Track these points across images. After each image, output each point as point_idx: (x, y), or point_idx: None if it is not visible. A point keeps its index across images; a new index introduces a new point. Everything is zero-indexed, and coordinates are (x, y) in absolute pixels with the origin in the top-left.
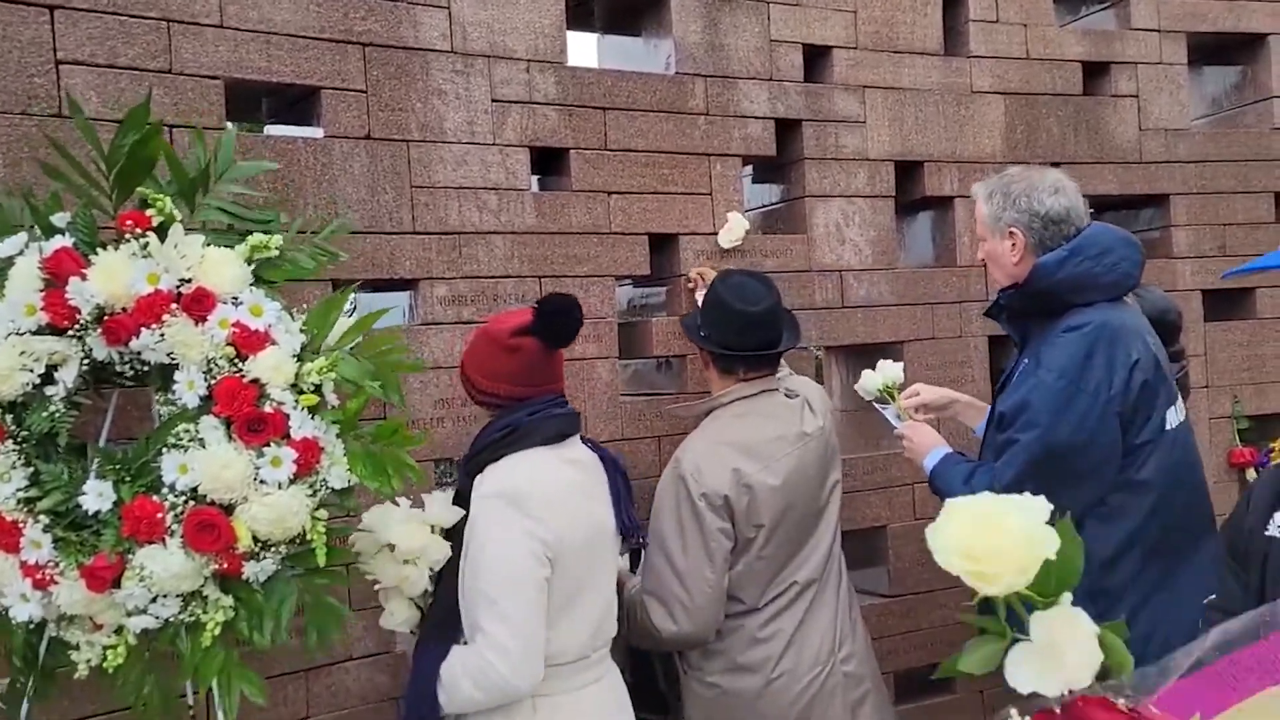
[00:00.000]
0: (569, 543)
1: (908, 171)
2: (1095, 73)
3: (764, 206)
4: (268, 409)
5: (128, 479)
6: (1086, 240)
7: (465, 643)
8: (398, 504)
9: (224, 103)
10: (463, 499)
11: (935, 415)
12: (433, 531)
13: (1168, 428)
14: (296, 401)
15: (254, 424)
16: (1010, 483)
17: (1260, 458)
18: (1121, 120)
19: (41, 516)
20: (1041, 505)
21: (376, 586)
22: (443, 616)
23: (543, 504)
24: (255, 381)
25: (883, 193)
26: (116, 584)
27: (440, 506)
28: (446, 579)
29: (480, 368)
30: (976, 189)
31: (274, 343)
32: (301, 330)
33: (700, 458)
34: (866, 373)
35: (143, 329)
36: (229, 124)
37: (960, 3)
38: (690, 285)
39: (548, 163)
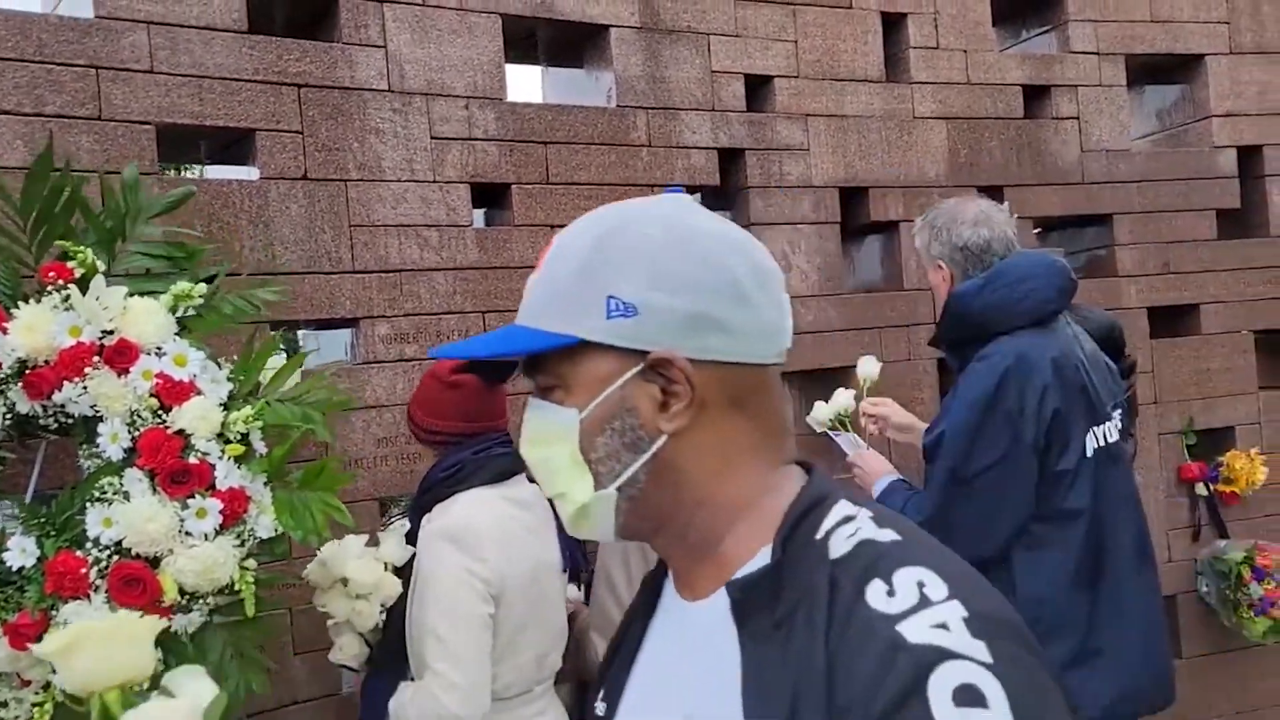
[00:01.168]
0: (512, 581)
1: (852, 197)
2: (1036, 96)
3: None
4: (192, 460)
5: (52, 534)
6: (1003, 268)
7: (412, 679)
8: (340, 541)
9: (155, 147)
10: (413, 538)
11: (893, 435)
12: (386, 569)
13: (1088, 454)
14: (222, 451)
15: (178, 476)
16: (932, 514)
17: (1209, 472)
18: (1063, 142)
19: None
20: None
21: (330, 621)
22: (392, 652)
23: (486, 543)
24: (180, 432)
25: (828, 219)
26: (40, 641)
27: (394, 544)
28: (395, 616)
29: (424, 406)
30: (915, 223)
31: (199, 393)
32: (229, 378)
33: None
34: (819, 404)
35: (65, 382)
36: (128, 167)
37: (900, 30)
38: None
39: (490, 198)
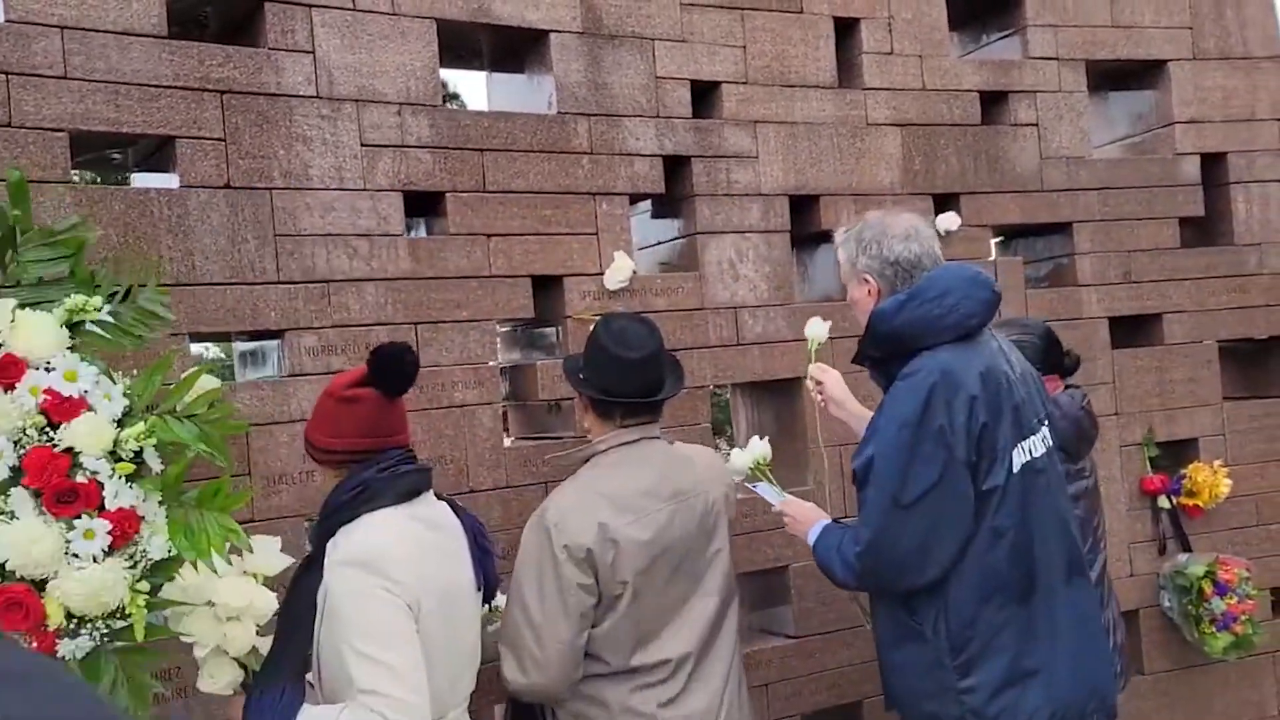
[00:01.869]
0: (425, 603)
1: (803, 206)
2: (994, 102)
3: (659, 243)
4: (80, 479)
5: None
6: (925, 283)
7: (320, 703)
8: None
9: (68, 155)
10: (316, 560)
11: (832, 409)
12: (257, 582)
13: (1014, 469)
14: (113, 470)
15: (64, 495)
16: (871, 540)
17: (1172, 484)
18: (1022, 149)
19: None
20: None
21: (197, 650)
22: (289, 668)
23: (397, 566)
24: (69, 450)
25: (777, 228)
26: None
27: (266, 553)
28: (290, 632)
29: (320, 427)
30: (836, 236)
31: (90, 409)
32: (124, 394)
33: (566, 508)
34: (735, 452)
35: None
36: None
37: (853, 35)
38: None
39: (425, 207)
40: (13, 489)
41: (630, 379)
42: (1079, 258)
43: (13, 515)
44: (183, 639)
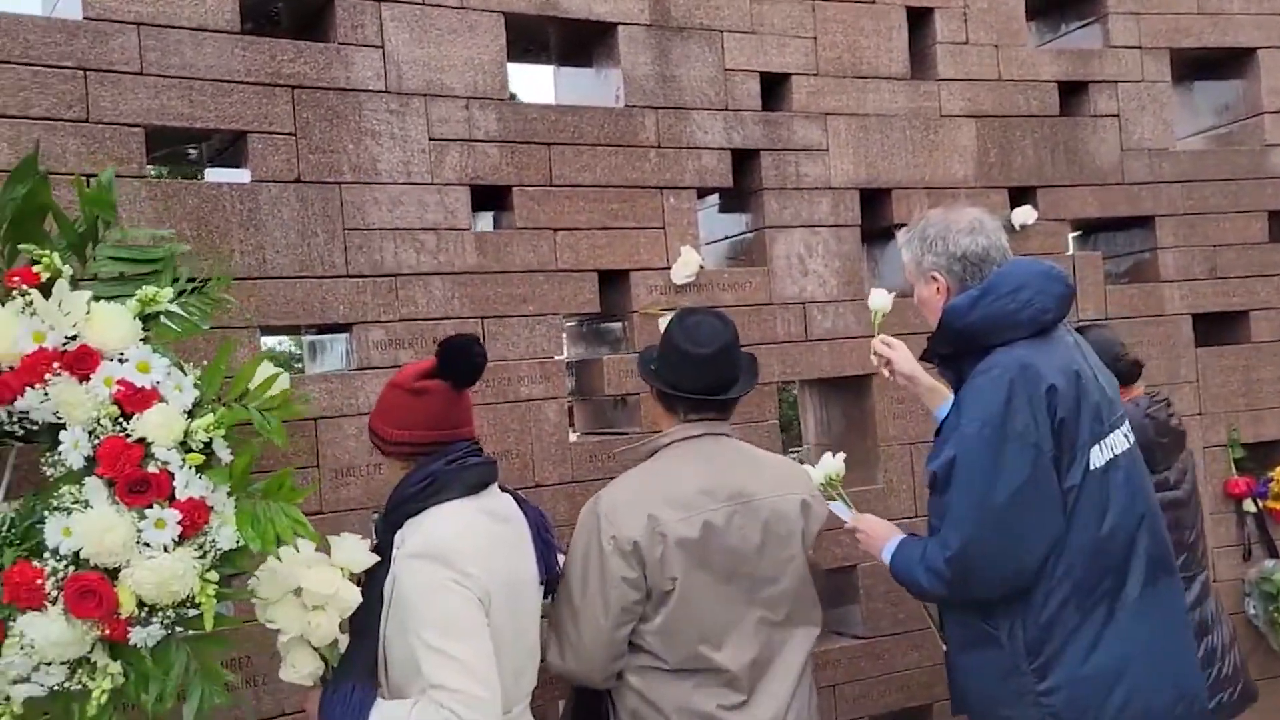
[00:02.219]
0: (494, 596)
1: (874, 199)
2: (1073, 93)
3: (728, 238)
4: (152, 469)
5: (14, 542)
6: (999, 278)
7: (387, 698)
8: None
9: (144, 150)
10: (382, 552)
11: (901, 380)
12: (344, 577)
13: (1093, 467)
14: (183, 461)
15: (136, 485)
16: (960, 550)
17: (1258, 487)
18: (1102, 141)
19: None
20: None
21: (281, 638)
22: (361, 666)
23: (468, 559)
24: (141, 441)
25: (847, 222)
26: None
27: (352, 550)
28: (364, 629)
29: (388, 418)
30: (899, 236)
31: (162, 400)
32: (195, 385)
33: (619, 499)
34: (806, 469)
35: (27, 388)
36: (108, 170)
37: (927, 25)
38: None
39: (490, 201)
40: (87, 478)
41: (698, 374)
42: (1161, 252)
43: (86, 504)
44: (268, 626)
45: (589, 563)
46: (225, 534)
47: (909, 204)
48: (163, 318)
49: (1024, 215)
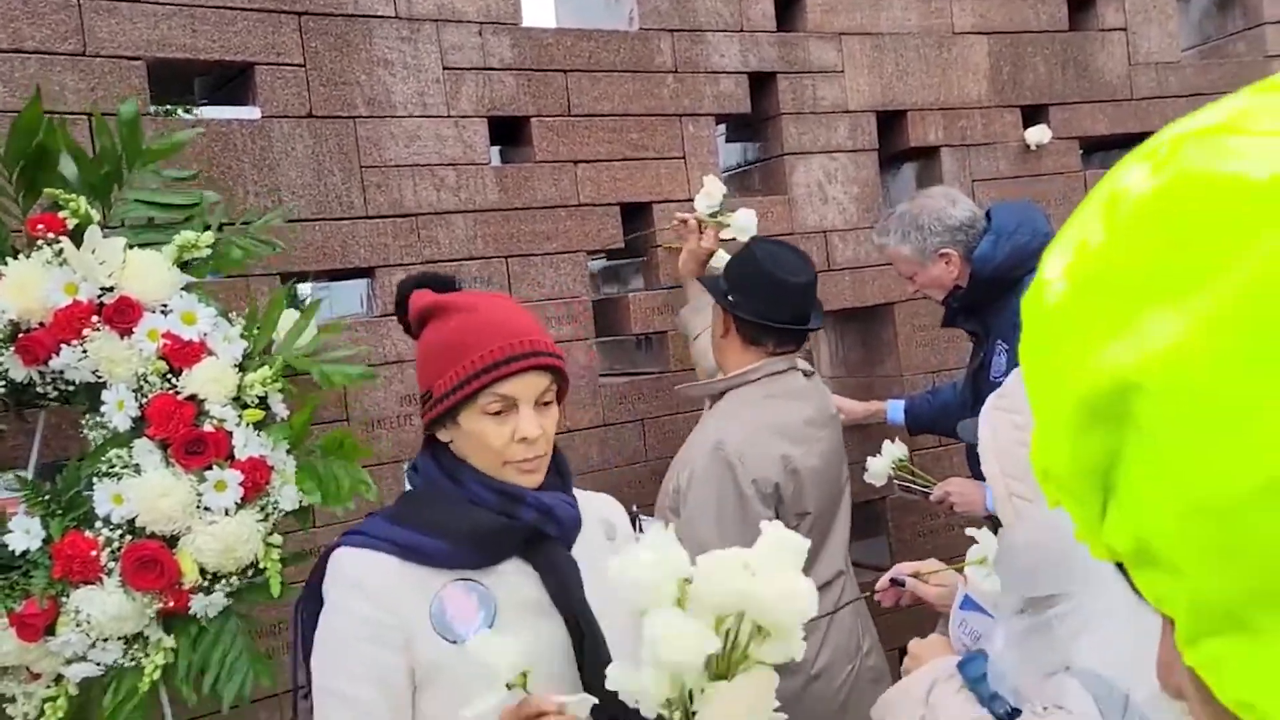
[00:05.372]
0: None
1: (889, 122)
2: (1081, 6)
3: (739, 168)
4: (207, 428)
5: (58, 513)
6: (998, 222)
7: None
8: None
9: (147, 85)
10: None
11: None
12: None
13: None
14: (240, 417)
15: (192, 446)
16: None
17: None
18: (1110, 55)
19: None
20: None
21: None
22: None
23: None
24: (192, 398)
25: (865, 146)
26: (50, 631)
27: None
28: None
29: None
30: (881, 240)
31: (211, 353)
32: (243, 336)
33: (744, 442)
34: (872, 461)
35: (62, 345)
36: (124, 103)
37: None
38: (680, 226)
39: (506, 133)
40: (136, 441)
41: (786, 305)
42: None
43: (137, 468)
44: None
45: (724, 509)
46: (288, 494)
47: (925, 126)
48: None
49: (1039, 134)
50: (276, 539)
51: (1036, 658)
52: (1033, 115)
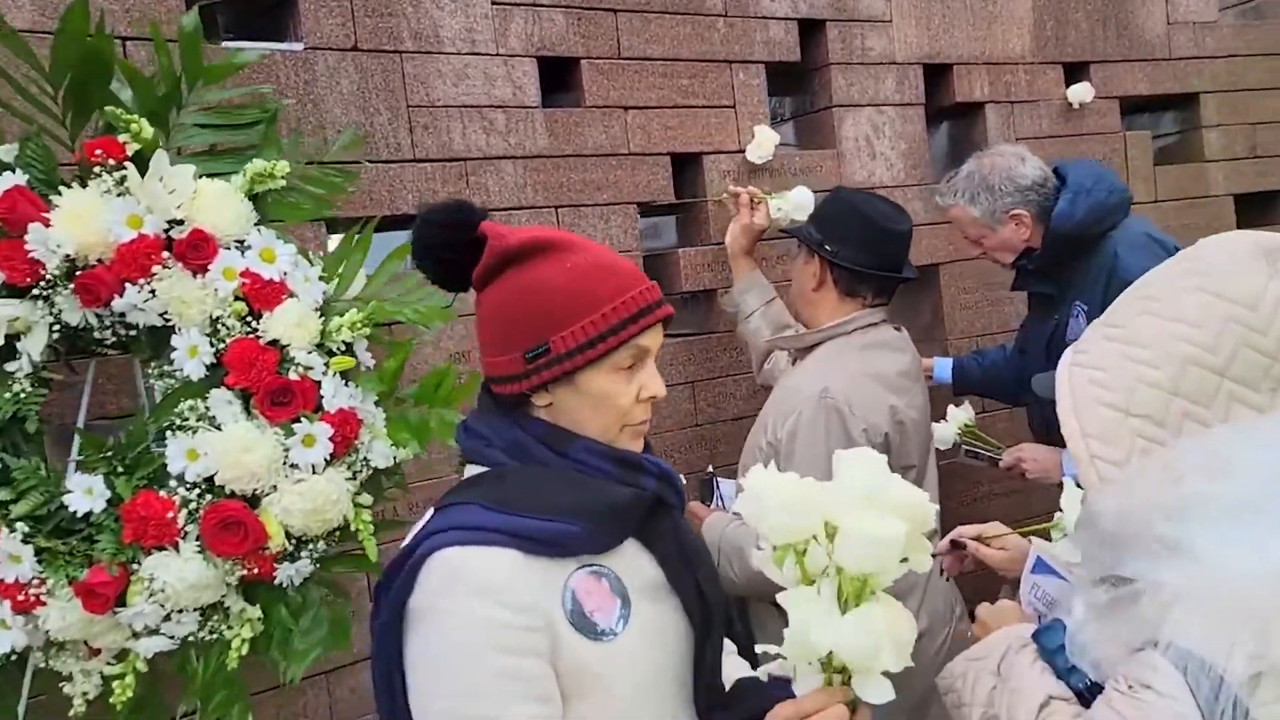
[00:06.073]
0: None
1: (935, 76)
2: None
3: (788, 118)
4: (293, 376)
5: (122, 471)
6: (1074, 180)
7: None
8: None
9: (184, 8)
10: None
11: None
12: None
13: None
14: (326, 365)
15: (279, 395)
16: None
17: None
18: (1149, 14)
19: (18, 524)
20: None
21: None
22: None
23: None
24: (274, 343)
25: (912, 100)
26: (121, 601)
27: None
28: None
29: None
30: (948, 201)
31: (292, 295)
32: (321, 278)
33: (851, 389)
34: (937, 427)
35: (127, 285)
36: (185, 16)
37: None
38: (732, 200)
39: (555, 78)
40: (212, 390)
41: (889, 254)
42: (1205, 131)
43: (214, 421)
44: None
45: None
46: (378, 450)
47: (970, 81)
48: (277, 195)
49: (1081, 93)
50: (366, 498)
51: (1121, 631)
52: (1074, 73)
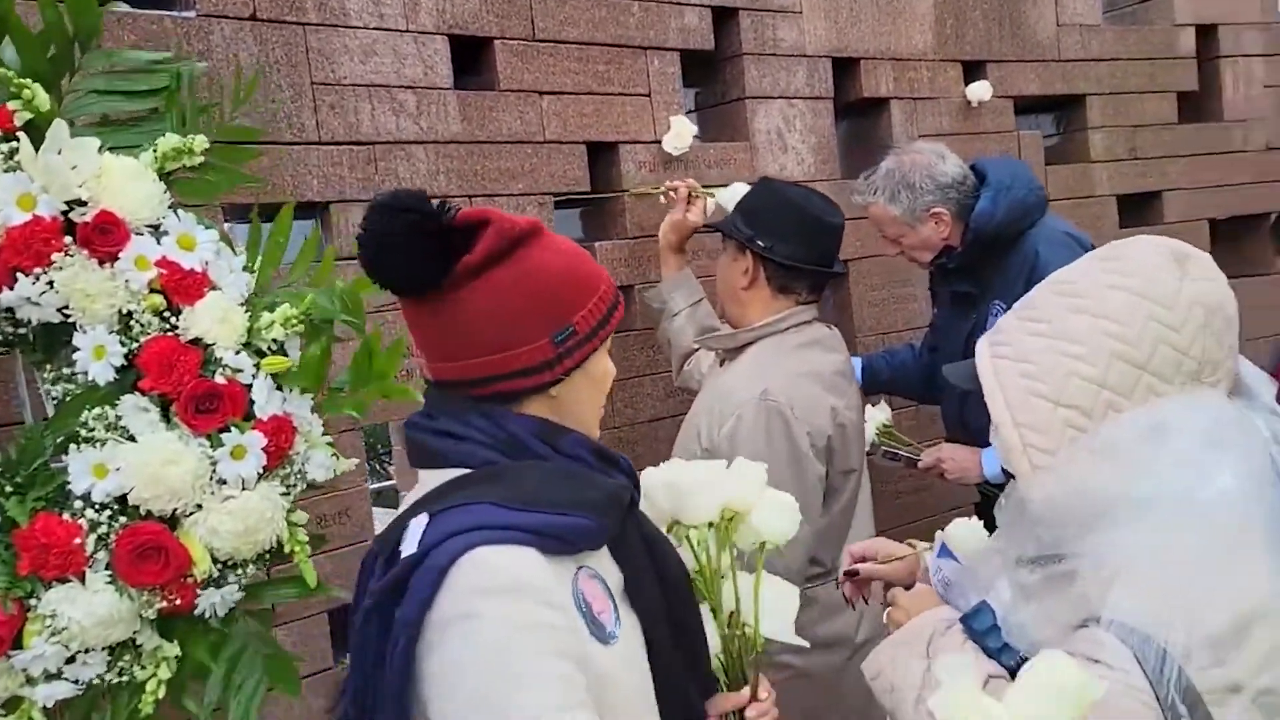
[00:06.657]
0: None
1: (842, 70)
2: None
3: (696, 109)
4: (219, 379)
5: (13, 491)
6: (994, 177)
7: None
8: None
9: None
10: None
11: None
12: None
13: None
14: (257, 367)
15: (204, 401)
16: None
17: None
18: (1040, 15)
19: None
20: None
21: None
22: None
23: None
24: (196, 342)
25: (822, 93)
26: (16, 643)
27: None
28: None
29: None
30: (867, 199)
31: (215, 287)
32: (245, 268)
33: (791, 390)
34: None
35: (19, 275)
36: None
37: None
38: (667, 197)
39: (468, 60)
40: (124, 396)
41: (822, 247)
42: (1090, 133)
43: (127, 431)
44: None
45: (781, 469)
46: (317, 460)
47: (877, 76)
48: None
49: (980, 91)
50: (300, 516)
51: (1059, 610)
52: (972, 71)
